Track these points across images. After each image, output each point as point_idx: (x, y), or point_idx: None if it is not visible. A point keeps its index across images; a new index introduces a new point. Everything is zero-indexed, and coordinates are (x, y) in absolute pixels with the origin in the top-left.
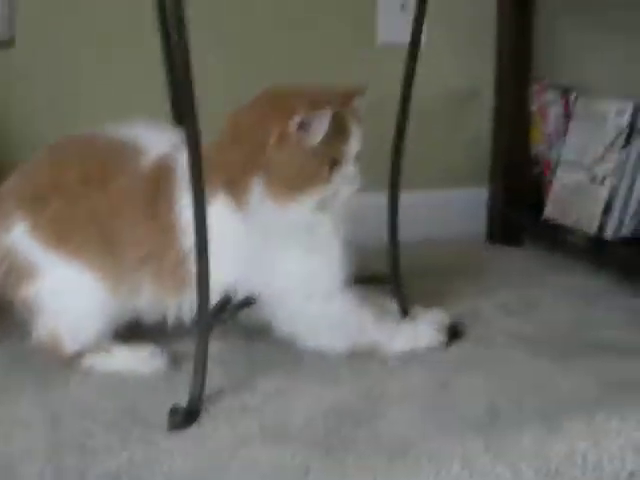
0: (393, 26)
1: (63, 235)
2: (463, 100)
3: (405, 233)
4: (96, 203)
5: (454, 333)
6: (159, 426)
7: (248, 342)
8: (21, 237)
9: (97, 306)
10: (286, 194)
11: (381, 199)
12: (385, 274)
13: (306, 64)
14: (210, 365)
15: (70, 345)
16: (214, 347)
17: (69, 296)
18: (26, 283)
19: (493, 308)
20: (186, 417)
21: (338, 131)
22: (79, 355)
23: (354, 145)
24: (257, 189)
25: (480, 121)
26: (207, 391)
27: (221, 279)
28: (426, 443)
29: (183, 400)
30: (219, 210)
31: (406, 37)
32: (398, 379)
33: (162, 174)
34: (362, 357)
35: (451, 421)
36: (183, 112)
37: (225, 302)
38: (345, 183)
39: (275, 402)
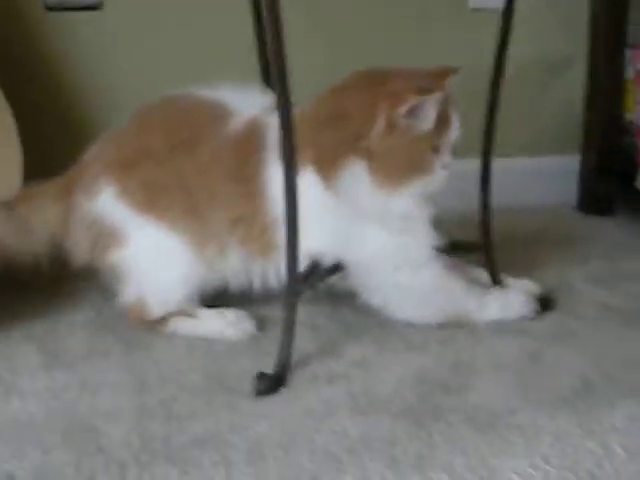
0: None
1: (151, 199)
2: (556, 65)
3: (494, 200)
4: (184, 166)
5: (545, 304)
6: (245, 391)
7: (336, 308)
8: (109, 202)
9: (184, 270)
10: (393, 182)
11: (472, 165)
12: (475, 242)
13: (398, 29)
14: (298, 330)
15: (156, 309)
16: (302, 312)
17: (156, 260)
18: (114, 248)
19: (584, 279)
20: (273, 383)
21: (441, 118)
22: (165, 319)
23: (455, 132)
24: (353, 172)
25: (573, 87)
26: (294, 357)
27: (307, 247)
28: (516, 416)
29: (269, 365)
30: (307, 182)
31: (498, 1)
32: (488, 349)
33: (252, 137)
34: (451, 326)
35: (541, 394)
36: (274, 79)
37: (313, 268)
38: (442, 171)
39: (362, 370)
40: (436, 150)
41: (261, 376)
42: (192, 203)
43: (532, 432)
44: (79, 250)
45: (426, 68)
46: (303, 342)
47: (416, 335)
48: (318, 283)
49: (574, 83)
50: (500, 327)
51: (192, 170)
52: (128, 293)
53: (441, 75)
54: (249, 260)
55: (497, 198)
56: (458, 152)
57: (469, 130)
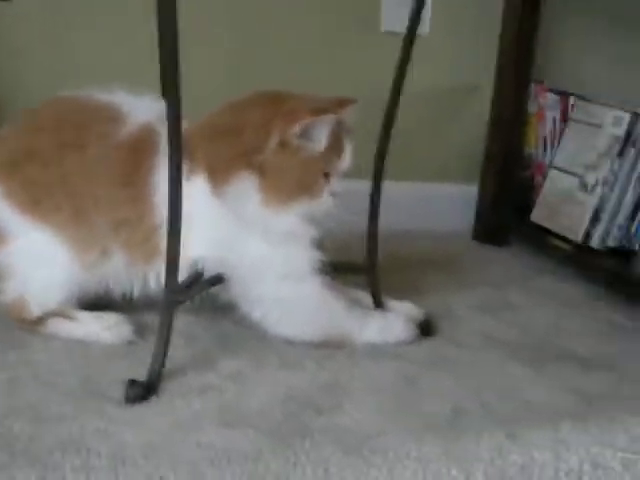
0: (397, 14)
1: (34, 200)
2: (462, 95)
3: (391, 223)
4: (71, 168)
5: (426, 329)
6: (116, 397)
7: (216, 320)
8: None
9: (64, 272)
10: (279, 200)
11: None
12: (358, 264)
13: (310, 50)
14: (175, 339)
15: (35, 308)
16: (182, 321)
17: (37, 260)
18: None
19: (470, 307)
20: (144, 391)
21: (334, 145)
22: (44, 319)
23: (346, 161)
24: (243, 185)
25: (477, 117)
26: (168, 366)
27: (189, 255)
28: (383, 439)
29: (144, 373)
30: (196, 190)
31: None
32: (364, 371)
33: (143, 143)
34: (329, 346)
35: (412, 419)
36: (165, 84)
37: (194, 279)
38: (329, 198)
39: (236, 384)
40: (326, 176)
41: (132, 383)
42: (76, 205)
43: (397, 457)
44: None
45: (327, 96)
46: (179, 352)
47: (293, 352)
48: (197, 294)
49: (479, 112)
50: (378, 350)
51: (79, 172)
52: (8, 291)
53: (340, 103)
54: (132, 266)
55: (394, 221)
56: (354, 173)
57: (372, 151)
